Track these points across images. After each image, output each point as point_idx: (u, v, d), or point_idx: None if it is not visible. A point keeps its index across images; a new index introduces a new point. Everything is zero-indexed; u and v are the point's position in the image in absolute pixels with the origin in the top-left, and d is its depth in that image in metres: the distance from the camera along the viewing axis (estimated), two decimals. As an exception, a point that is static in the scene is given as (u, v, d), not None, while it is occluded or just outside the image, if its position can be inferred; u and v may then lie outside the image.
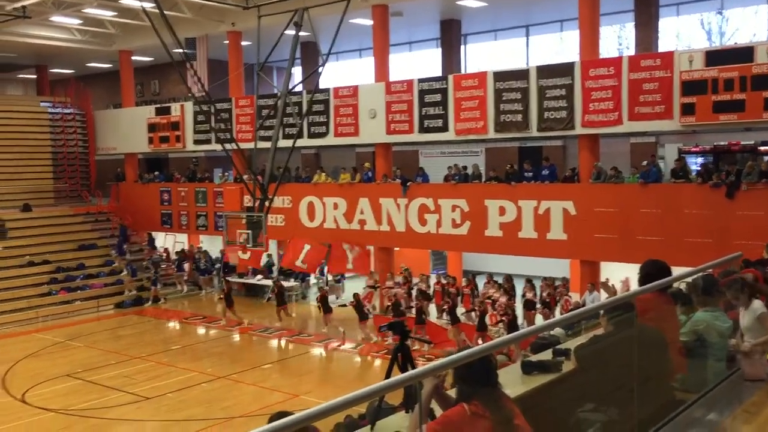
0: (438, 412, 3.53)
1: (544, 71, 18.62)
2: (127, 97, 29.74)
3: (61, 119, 29.79)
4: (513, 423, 3.24)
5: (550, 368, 4.69)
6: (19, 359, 17.97)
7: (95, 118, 30.38)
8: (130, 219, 28.07)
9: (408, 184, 21.01)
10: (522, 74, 18.99)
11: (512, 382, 4.14)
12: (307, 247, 22.57)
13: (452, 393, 3.47)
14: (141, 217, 28.02)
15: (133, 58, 29.37)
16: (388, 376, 4.15)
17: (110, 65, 31.25)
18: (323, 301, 19.81)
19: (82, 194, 29.75)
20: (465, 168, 20.72)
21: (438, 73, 25.68)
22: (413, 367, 4.06)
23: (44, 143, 29.18)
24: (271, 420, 2.61)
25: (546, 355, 5.11)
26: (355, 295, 19.60)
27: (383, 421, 3.96)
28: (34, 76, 33.77)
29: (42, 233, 25.84)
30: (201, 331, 21.37)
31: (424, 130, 20.71)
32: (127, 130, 28.63)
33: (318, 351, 18.67)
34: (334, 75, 29.67)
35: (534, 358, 5.02)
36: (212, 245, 27.43)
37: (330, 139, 22.96)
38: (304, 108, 22.31)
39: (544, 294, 18.88)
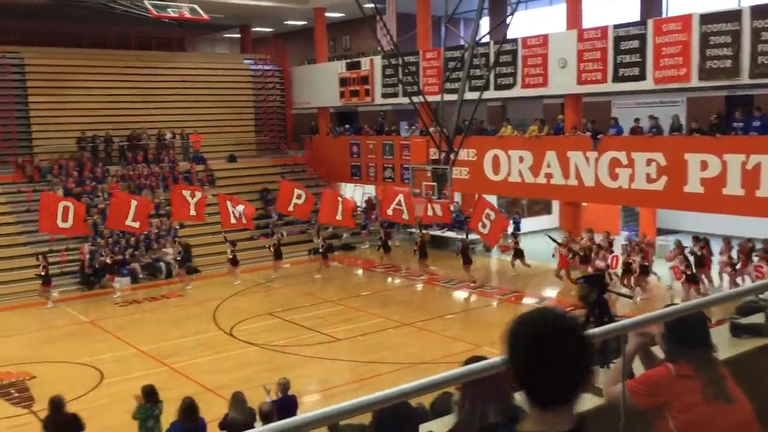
0: (637, 370, 3.39)
1: (761, 11, 16.79)
2: (321, 53, 30.98)
3: (262, 75, 31.72)
4: (723, 386, 3.04)
5: (764, 332, 4.34)
6: (226, 297, 19.76)
7: (291, 74, 32.03)
8: (323, 171, 29.48)
9: (599, 136, 20.09)
10: (733, 15, 17.29)
11: (719, 344, 3.87)
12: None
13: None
14: (332, 168, 29.29)
15: (327, 14, 30.44)
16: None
17: (305, 23, 32.64)
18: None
19: (280, 146, 31.67)
20: (656, 119, 19.45)
21: (636, 17, 24.05)
22: (611, 321, 3.92)
23: (247, 98, 31.26)
24: (466, 363, 2.68)
25: (757, 319, 4.71)
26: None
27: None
28: (238, 36, 36.10)
29: (246, 182, 27.92)
30: (388, 279, 22.16)
31: (618, 79, 19.62)
32: (320, 84, 29.90)
33: (501, 304, 18.65)
34: (523, 24, 28.82)
35: (744, 321, 4.65)
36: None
37: (517, 91, 22.47)
38: (491, 59, 21.95)
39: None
